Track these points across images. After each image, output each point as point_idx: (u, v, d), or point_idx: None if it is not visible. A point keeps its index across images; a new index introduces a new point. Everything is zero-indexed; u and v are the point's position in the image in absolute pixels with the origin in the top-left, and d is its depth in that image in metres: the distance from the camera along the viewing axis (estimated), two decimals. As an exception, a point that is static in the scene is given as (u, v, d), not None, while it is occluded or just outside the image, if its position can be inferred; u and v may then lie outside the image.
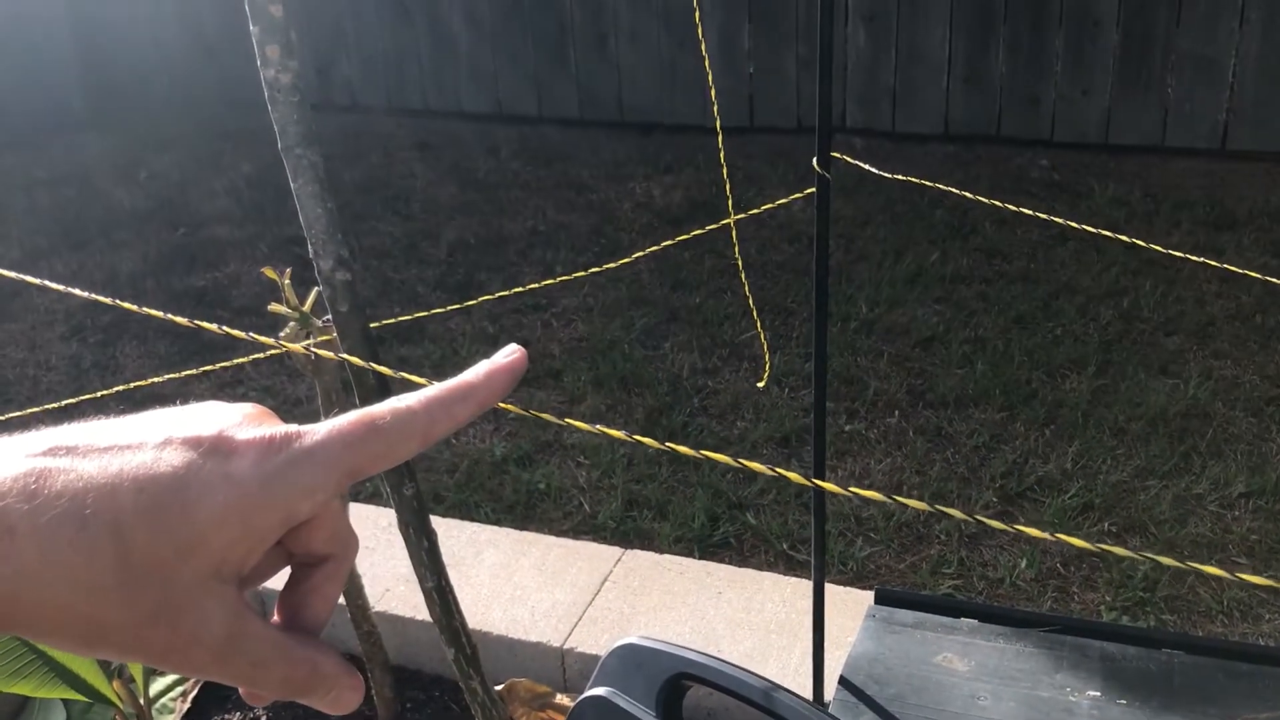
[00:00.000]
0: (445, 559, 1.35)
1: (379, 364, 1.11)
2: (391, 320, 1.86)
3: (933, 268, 3.68)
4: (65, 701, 1.57)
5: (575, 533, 2.52)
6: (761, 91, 5.06)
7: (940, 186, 1.48)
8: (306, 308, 1.36)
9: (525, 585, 2.18)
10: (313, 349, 1.26)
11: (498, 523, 2.52)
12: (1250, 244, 3.75)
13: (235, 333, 0.77)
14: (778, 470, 0.55)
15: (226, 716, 2.09)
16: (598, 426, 0.59)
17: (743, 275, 1.72)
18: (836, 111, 4.86)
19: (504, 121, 5.51)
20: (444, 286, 3.81)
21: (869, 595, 1.26)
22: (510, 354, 0.46)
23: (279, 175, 1.11)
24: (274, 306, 1.36)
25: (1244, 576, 0.57)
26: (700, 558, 2.36)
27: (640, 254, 2.03)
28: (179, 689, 1.98)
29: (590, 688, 0.88)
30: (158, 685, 1.90)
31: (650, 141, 5.13)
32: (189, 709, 2.03)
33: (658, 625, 2.06)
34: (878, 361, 3.17)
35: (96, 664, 1.46)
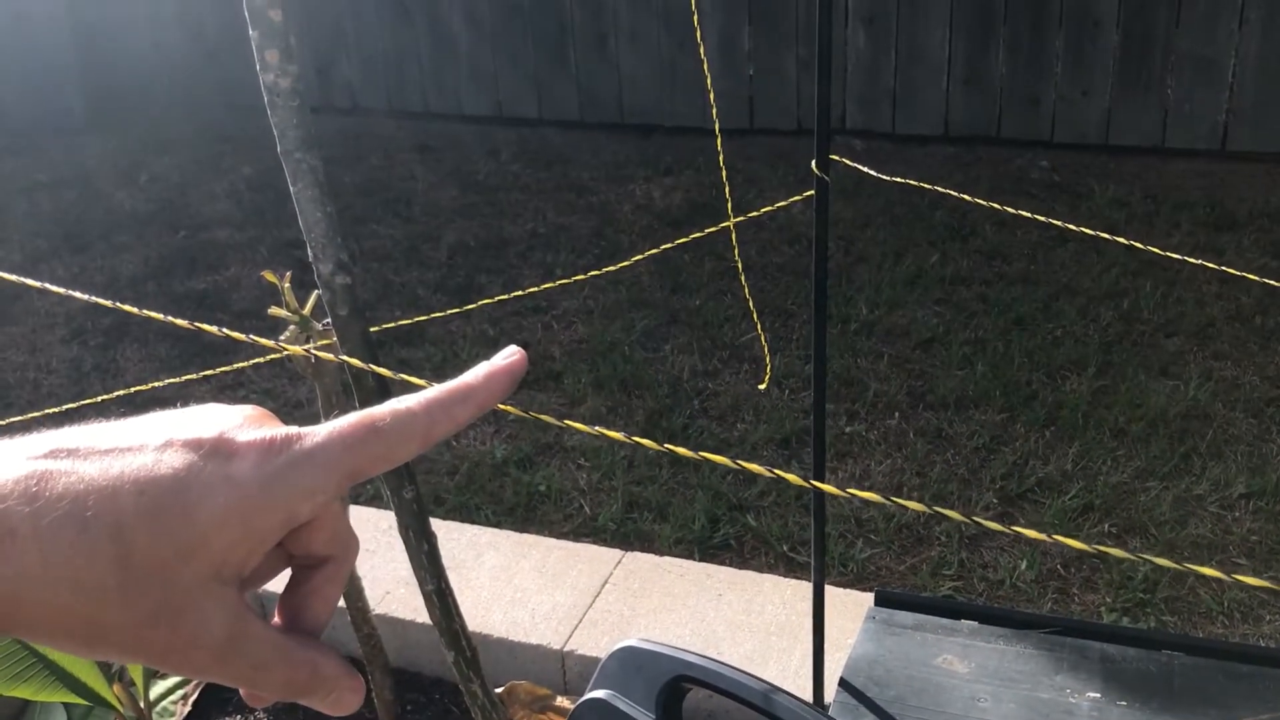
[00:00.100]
0: (445, 561, 1.35)
1: (379, 367, 1.11)
2: (391, 324, 1.86)
3: (933, 269, 3.69)
4: (66, 705, 1.57)
5: (576, 535, 2.52)
6: (761, 93, 5.06)
7: (938, 189, 1.48)
8: (306, 311, 1.36)
9: (525, 588, 2.18)
10: (312, 351, 1.27)
11: (498, 525, 2.52)
12: (1250, 245, 3.75)
13: (235, 335, 0.77)
14: (775, 471, 0.55)
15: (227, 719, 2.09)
16: (596, 428, 0.59)
17: (742, 277, 1.72)
18: (836, 113, 4.87)
19: (504, 123, 5.51)
20: (444, 289, 3.81)
21: (869, 597, 1.26)
22: (509, 355, 0.46)
23: (279, 178, 1.11)
24: (274, 310, 1.36)
25: (1239, 578, 0.57)
26: (701, 560, 2.36)
27: (640, 256, 2.03)
28: (180, 692, 1.98)
29: (590, 690, 0.88)
30: (158, 689, 1.90)
31: (650, 143, 5.13)
32: (189, 712, 2.03)
33: (658, 627, 2.06)
34: (878, 363, 3.17)
35: (97, 667, 1.46)
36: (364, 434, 0.41)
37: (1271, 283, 1.38)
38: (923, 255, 3.78)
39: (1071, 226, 1.42)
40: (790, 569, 2.38)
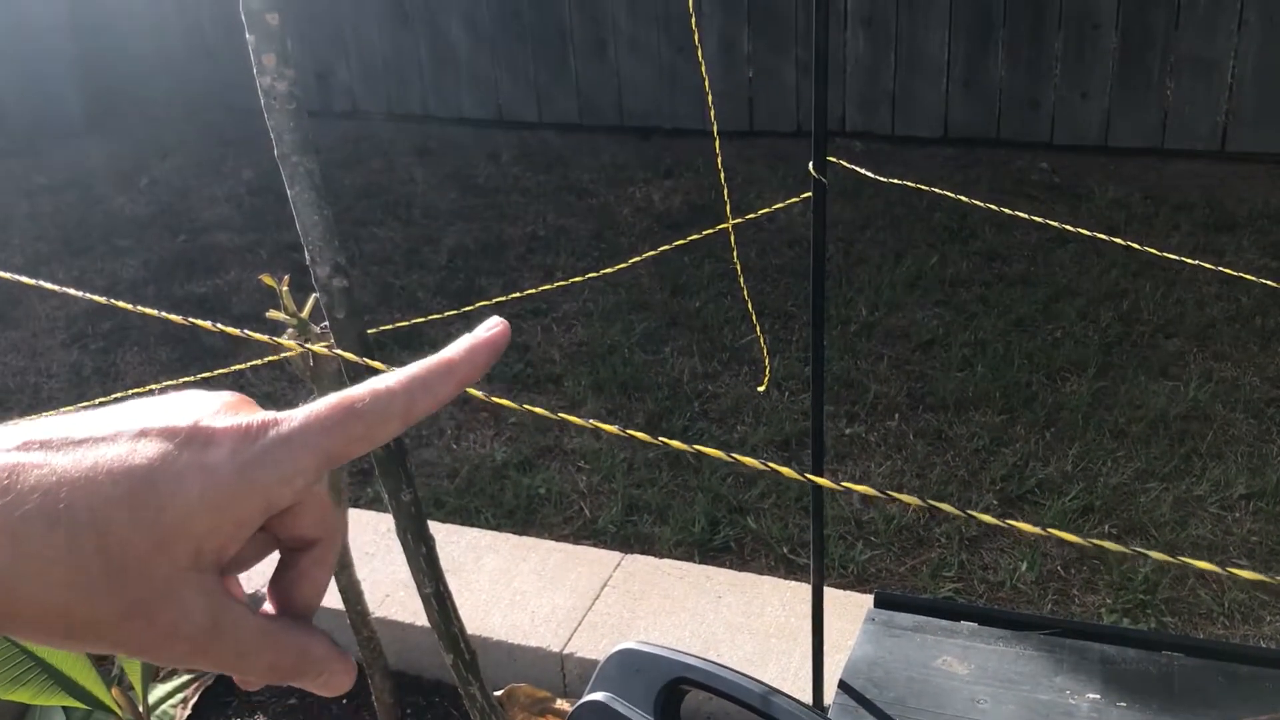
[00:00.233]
0: (445, 564, 1.35)
1: (376, 367, 1.11)
2: (390, 326, 1.86)
3: (932, 271, 3.68)
4: (65, 709, 1.57)
5: (576, 537, 2.52)
6: (761, 95, 5.06)
7: (936, 191, 1.48)
8: (305, 314, 1.36)
9: (525, 590, 2.18)
10: (309, 350, 1.27)
11: (498, 528, 2.52)
12: (1250, 245, 3.75)
13: (230, 330, 0.77)
14: (770, 465, 0.55)
15: (227, 723, 2.09)
16: (591, 422, 0.59)
17: (741, 279, 1.73)
18: (836, 115, 4.87)
19: (504, 126, 5.51)
20: (444, 292, 3.81)
21: (869, 599, 1.26)
22: (491, 328, 0.45)
23: (279, 182, 1.11)
24: (272, 313, 1.36)
25: (1235, 571, 0.57)
26: (701, 562, 2.36)
27: (639, 258, 2.03)
28: (179, 695, 1.98)
29: (589, 692, 0.87)
30: (157, 692, 1.90)
31: (650, 146, 5.14)
32: (189, 715, 2.03)
33: (658, 630, 2.06)
34: (878, 365, 3.17)
35: (95, 671, 1.46)
36: (341, 416, 0.40)
37: (1271, 283, 1.38)
38: (922, 257, 3.78)
39: (1069, 228, 1.42)
40: (790, 571, 2.38)
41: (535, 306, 3.63)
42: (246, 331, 0.78)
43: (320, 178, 1.07)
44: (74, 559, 0.35)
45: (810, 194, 1.23)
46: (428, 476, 2.79)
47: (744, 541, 2.49)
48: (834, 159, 1.24)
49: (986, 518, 0.59)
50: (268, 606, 0.43)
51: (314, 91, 5.72)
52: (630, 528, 2.55)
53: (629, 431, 0.59)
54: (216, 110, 5.76)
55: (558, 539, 2.47)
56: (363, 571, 2.16)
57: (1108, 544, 0.58)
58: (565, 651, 2.03)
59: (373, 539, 2.32)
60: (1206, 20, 4.32)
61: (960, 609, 1.26)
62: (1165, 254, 1.54)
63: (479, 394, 0.84)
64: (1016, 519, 2.53)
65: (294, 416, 0.40)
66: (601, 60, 5.28)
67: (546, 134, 5.40)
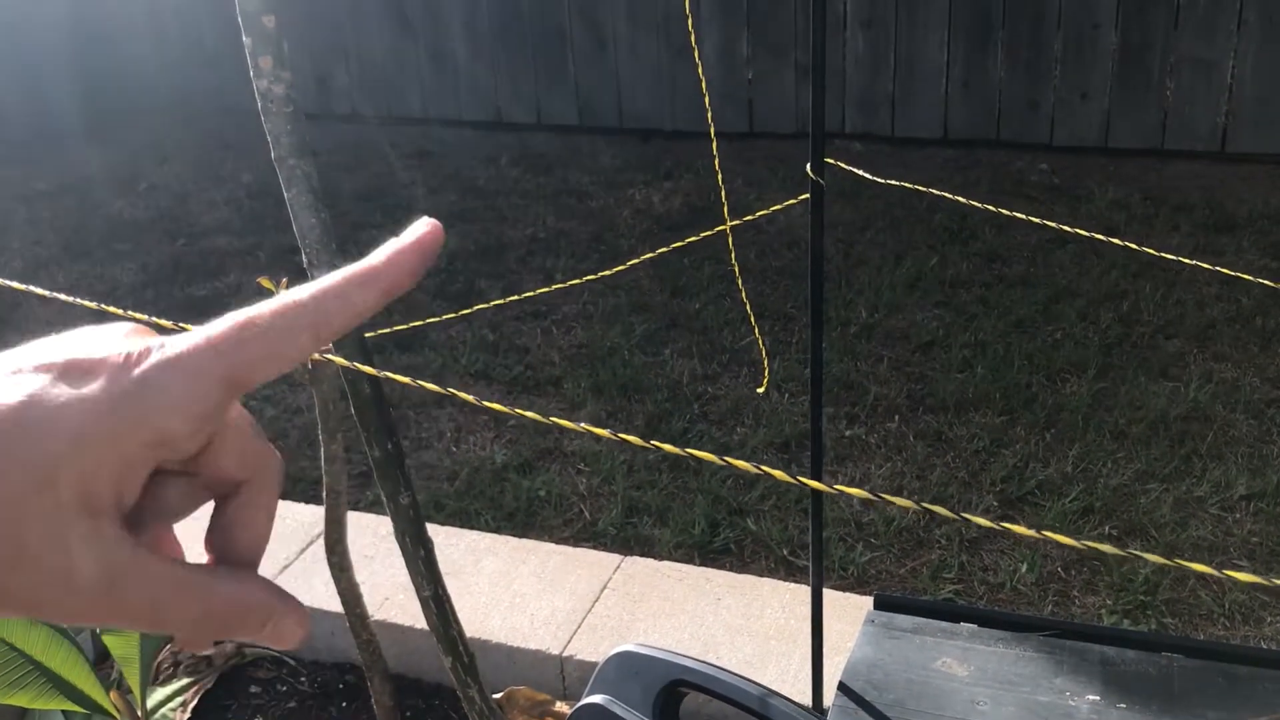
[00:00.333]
0: (444, 567, 1.35)
1: (374, 370, 1.11)
2: (388, 330, 1.86)
3: (932, 272, 3.68)
4: (64, 713, 1.57)
5: (576, 540, 2.52)
6: (761, 97, 5.07)
7: (933, 192, 1.48)
8: (303, 317, 1.36)
9: (524, 593, 2.18)
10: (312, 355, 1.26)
11: (498, 530, 2.52)
12: (1250, 246, 3.75)
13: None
14: (764, 468, 0.55)
15: (227, 726, 2.09)
16: (583, 425, 0.59)
17: (739, 281, 1.72)
18: (836, 116, 4.87)
19: (503, 129, 5.51)
20: (444, 294, 3.81)
21: (869, 601, 1.26)
22: (420, 228, 0.41)
23: (278, 185, 1.11)
24: (270, 316, 1.36)
25: (1231, 574, 0.57)
26: (701, 564, 2.36)
27: (637, 260, 2.03)
28: (178, 699, 1.98)
29: (587, 695, 0.87)
30: (156, 696, 1.90)
31: (649, 148, 5.14)
32: (188, 719, 2.03)
33: (657, 632, 2.06)
34: (878, 366, 3.17)
35: (94, 675, 1.46)
36: (237, 334, 0.36)
37: (1270, 284, 1.38)
38: (922, 258, 3.78)
39: (1067, 228, 1.42)
40: (790, 573, 2.38)
41: (535, 309, 3.63)
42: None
43: (318, 180, 1.06)
44: None
45: (808, 195, 1.23)
46: (427, 479, 2.78)
47: (744, 543, 2.49)
48: (832, 161, 1.24)
49: (981, 520, 0.59)
50: (207, 560, 0.40)
51: (314, 95, 5.72)
52: (630, 530, 2.55)
53: (621, 436, 0.59)
54: (215, 114, 5.76)
55: (557, 541, 2.47)
56: (362, 575, 2.16)
57: (1103, 546, 0.57)
58: (565, 654, 2.03)
59: (372, 542, 2.32)
60: (1206, 20, 4.32)
61: (960, 611, 1.25)
62: (1164, 254, 1.53)
63: (471, 398, 0.83)
64: (1017, 520, 2.53)
65: (184, 340, 0.36)
66: (601, 63, 5.28)
67: (546, 136, 5.40)
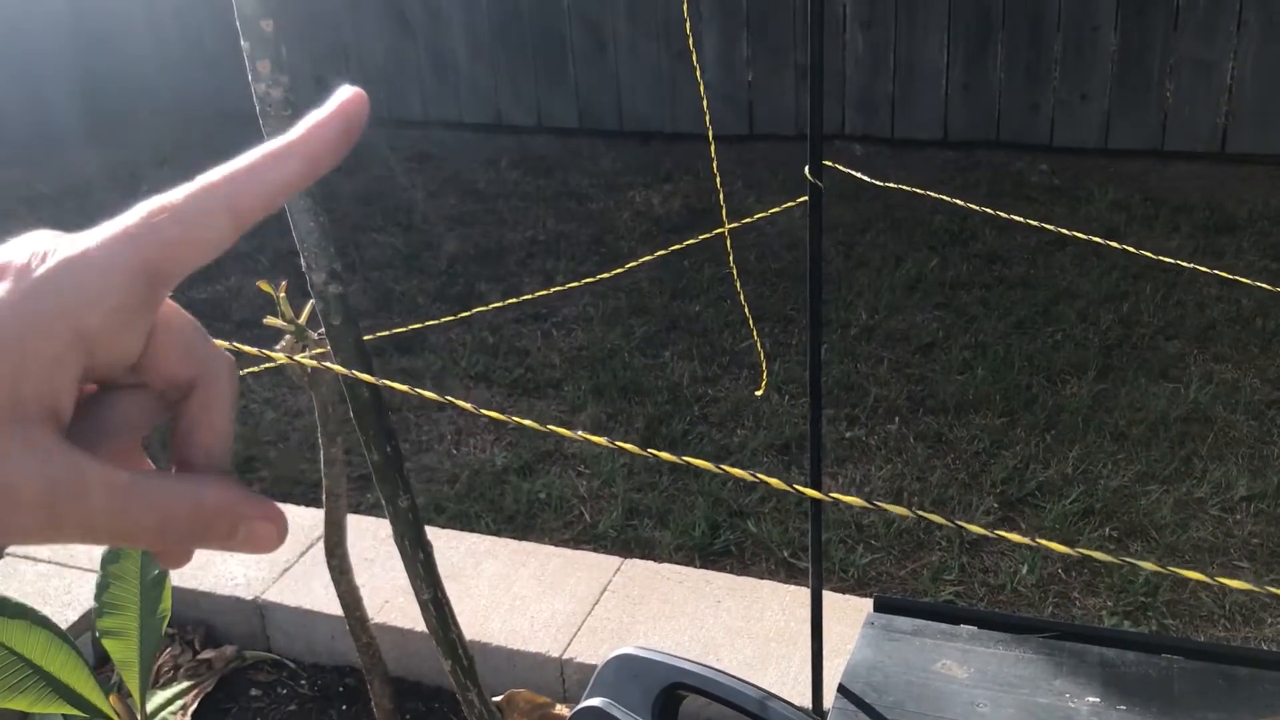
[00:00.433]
0: (444, 570, 1.35)
1: (373, 376, 1.11)
2: (387, 333, 1.86)
3: (932, 273, 3.68)
4: (64, 717, 1.57)
5: (576, 542, 2.52)
6: (761, 99, 5.07)
7: (932, 194, 1.48)
8: (302, 320, 1.36)
9: (524, 595, 2.18)
10: (301, 360, 1.26)
11: (498, 533, 2.52)
12: (1250, 247, 3.74)
13: (220, 344, 0.76)
14: (758, 476, 0.55)
15: (227, 730, 2.09)
16: (580, 433, 0.59)
17: (738, 283, 1.72)
18: (836, 118, 4.87)
19: (504, 131, 5.52)
20: (444, 297, 3.81)
21: (869, 603, 1.26)
22: (341, 95, 0.39)
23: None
24: (269, 320, 1.36)
25: (1224, 581, 0.57)
26: (701, 566, 2.36)
27: (636, 263, 2.03)
28: (178, 703, 1.98)
29: (586, 698, 0.87)
30: (156, 700, 1.90)
31: (649, 150, 5.14)
32: (189, 722, 2.03)
33: (657, 635, 2.06)
34: (878, 368, 3.17)
35: (94, 679, 1.46)
36: (149, 220, 0.35)
37: (1267, 287, 1.38)
38: (922, 260, 3.78)
39: (1066, 231, 1.42)
40: (790, 575, 2.38)
41: (535, 311, 3.63)
42: (236, 344, 0.78)
43: (316, 184, 1.07)
44: None
45: (806, 197, 1.23)
46: (428, 482, 2.78)
47: (744, 546, 2.49)
48: (831, 163, 1.24)
49: (975, 528, 0.59)
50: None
51: (313, 98, 5.68)
52: (630, 532, 2.55)
53: (619, 444, 0.59)
54: (215, 117, 5.76)
55: (557, 544, 2.47)
56: (362, 578, 2.16)
57: (1095, 554, 0.57)
58: (565, 657, 2.03)
59: (372, 545, 2.32)
60: (1206, 21, 4.32)
61: (959, 612, 1.25)
62: (1162, 258, 1.53)
63: (468, 405, 0.83)
64: (1017, 522, 2.53)
65: (94, 233, 0.35)
66: (600, 65, 5.28)
67: (545, 138, 5.40)
